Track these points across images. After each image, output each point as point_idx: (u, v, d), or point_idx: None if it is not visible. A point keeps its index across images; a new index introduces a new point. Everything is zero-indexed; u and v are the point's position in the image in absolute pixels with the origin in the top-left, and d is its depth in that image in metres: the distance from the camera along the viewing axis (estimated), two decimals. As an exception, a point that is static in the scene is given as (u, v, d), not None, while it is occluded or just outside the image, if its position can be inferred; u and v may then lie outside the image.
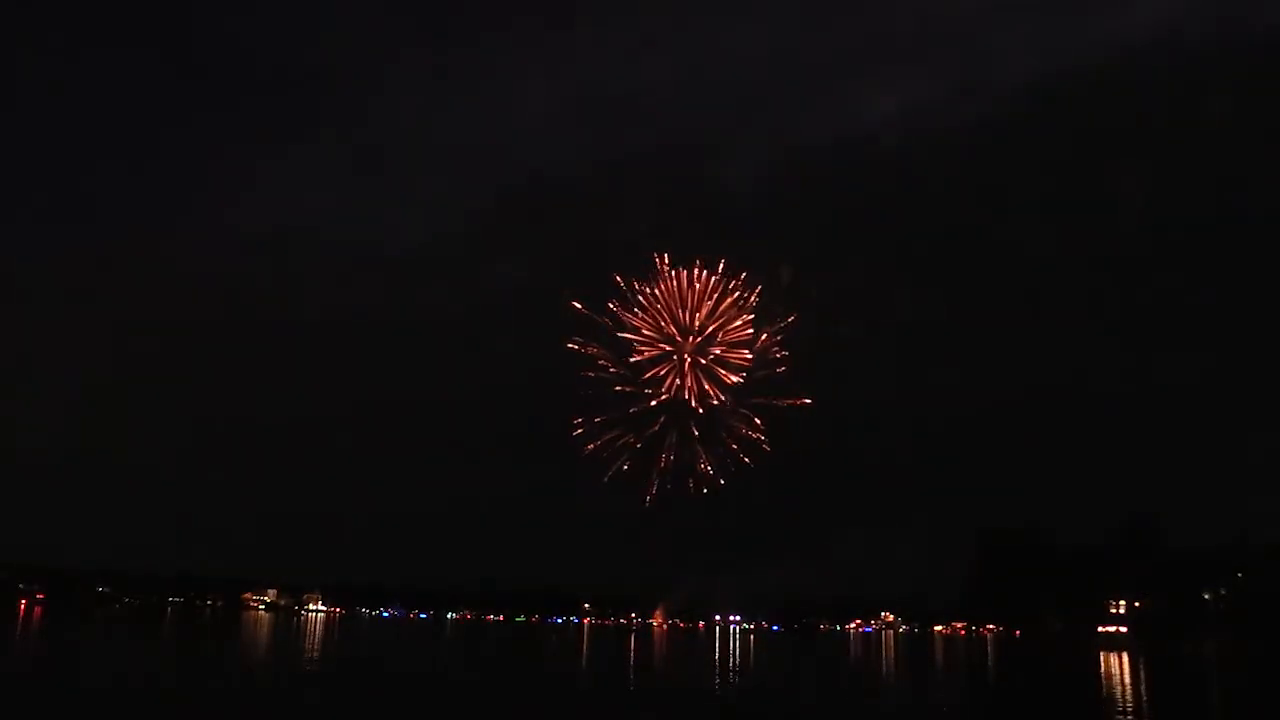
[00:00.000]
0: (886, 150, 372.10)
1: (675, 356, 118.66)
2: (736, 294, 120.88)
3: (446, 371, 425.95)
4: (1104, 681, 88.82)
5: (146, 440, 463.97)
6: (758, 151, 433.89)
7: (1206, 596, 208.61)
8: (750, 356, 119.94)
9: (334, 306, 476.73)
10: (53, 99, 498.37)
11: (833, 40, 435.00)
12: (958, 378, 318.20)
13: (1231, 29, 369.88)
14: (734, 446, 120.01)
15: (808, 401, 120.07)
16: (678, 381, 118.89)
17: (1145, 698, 72.32)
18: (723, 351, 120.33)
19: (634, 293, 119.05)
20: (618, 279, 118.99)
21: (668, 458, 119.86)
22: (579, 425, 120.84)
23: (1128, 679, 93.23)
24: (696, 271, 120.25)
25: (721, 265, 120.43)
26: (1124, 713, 59.66)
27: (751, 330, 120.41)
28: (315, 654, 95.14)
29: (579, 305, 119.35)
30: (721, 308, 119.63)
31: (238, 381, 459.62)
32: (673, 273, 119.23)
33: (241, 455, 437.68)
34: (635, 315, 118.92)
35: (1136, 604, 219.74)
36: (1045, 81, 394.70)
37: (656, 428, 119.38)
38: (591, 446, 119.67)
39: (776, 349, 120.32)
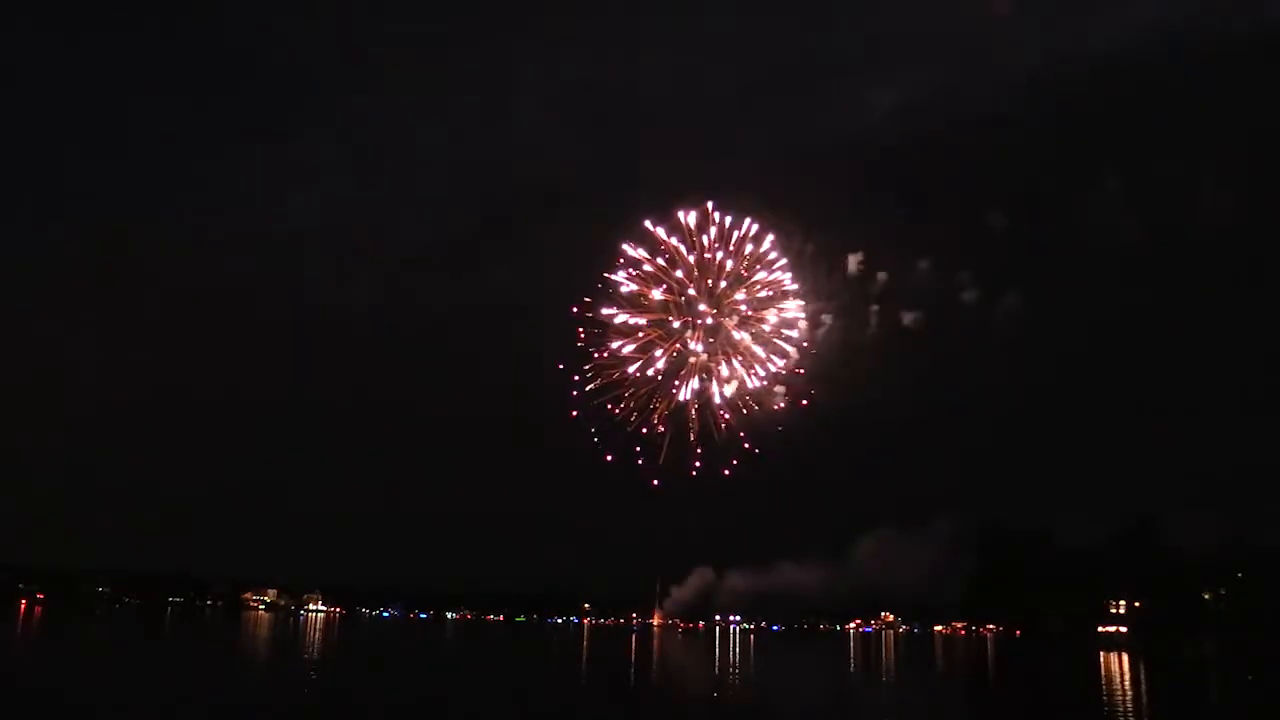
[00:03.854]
0: (888, 149, 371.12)
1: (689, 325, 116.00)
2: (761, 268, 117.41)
3: (446, 371, 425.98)
4: (1104, 681, 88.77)
5: (146, 440, 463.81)
6: (758, 150, 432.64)
7: (1206, 596, 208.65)
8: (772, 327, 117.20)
9: (333, 306, 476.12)
10: (46, 97, 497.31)
11: (833, 39, 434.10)
12: (956, 377, 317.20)
13: (1232, 22, 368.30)
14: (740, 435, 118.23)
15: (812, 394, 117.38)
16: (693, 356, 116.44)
17: (1145, 698, 72.27)
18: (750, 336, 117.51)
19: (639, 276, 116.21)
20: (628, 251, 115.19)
21: (667, 437, 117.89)
22: (584, 414, 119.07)
23: (1128, 679, 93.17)
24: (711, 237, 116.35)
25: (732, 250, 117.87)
26: (1124, 713, 59.60)
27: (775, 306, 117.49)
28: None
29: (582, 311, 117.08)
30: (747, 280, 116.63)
31: (237, 382, 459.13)
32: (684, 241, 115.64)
33: (241, 455, 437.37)
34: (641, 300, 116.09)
35: (1136, 604, 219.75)
36: (1046, 77, 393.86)
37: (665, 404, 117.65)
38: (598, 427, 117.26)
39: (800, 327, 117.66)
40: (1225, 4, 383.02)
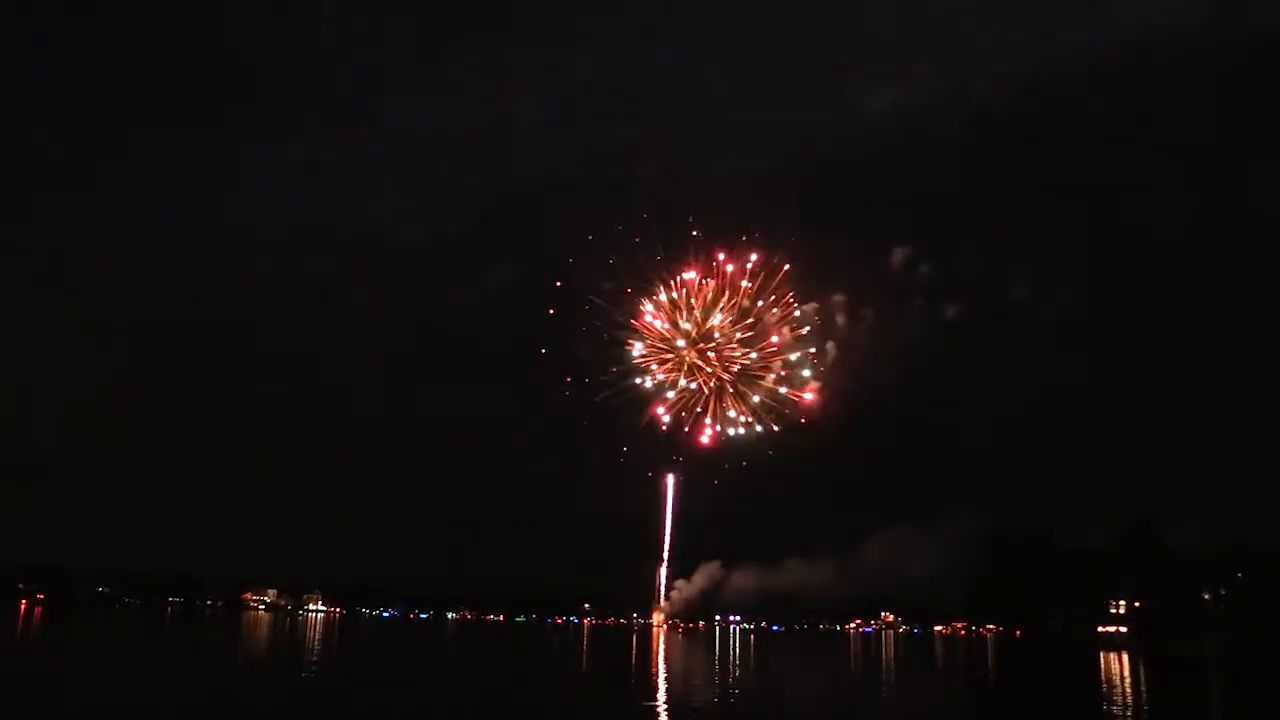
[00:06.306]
0: (887, 148, 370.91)
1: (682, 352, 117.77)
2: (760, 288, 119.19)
3: (446, 370, 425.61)
4: (1104, 681, 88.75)
5: (146, 440, 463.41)
6: (759, 148, 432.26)
7: (1206, 596, 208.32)
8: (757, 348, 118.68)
9: (331, 306, 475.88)
10: (45, 98, 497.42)
11: (833, 37, 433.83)
12: (957, 378, 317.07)
13: (1228, 23, 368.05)
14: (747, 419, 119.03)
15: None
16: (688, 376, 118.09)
17: (1145, 698, 72.27)
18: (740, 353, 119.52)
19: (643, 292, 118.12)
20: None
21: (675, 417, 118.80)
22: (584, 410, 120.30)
23: (1128, 679, 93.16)
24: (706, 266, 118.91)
25: (725, 262, 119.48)
26: (1124, 713, 59.59)
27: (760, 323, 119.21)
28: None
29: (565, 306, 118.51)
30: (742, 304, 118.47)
31: (237, 381, 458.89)
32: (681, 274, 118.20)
33: (241, 455, 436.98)
34: (646, 311, 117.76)
35: (1136, 604, 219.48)
36: (1046, 76, 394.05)
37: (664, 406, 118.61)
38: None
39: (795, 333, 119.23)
40: (1225, 4, 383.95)
